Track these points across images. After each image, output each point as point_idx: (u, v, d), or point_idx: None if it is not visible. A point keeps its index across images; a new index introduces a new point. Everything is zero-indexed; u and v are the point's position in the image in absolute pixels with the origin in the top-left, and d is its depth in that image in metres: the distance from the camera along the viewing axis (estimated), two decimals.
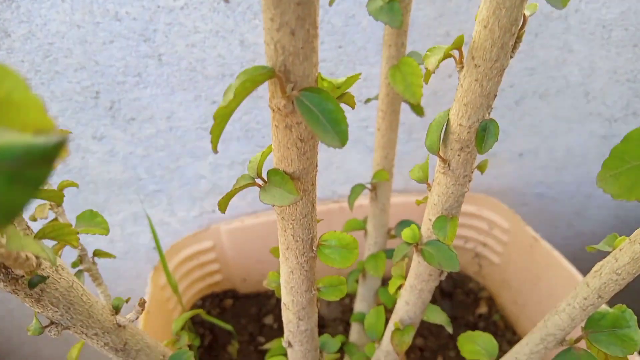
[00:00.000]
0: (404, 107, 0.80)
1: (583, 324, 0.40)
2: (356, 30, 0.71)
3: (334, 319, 0.97)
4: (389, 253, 0.66)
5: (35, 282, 0.28)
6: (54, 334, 0.35)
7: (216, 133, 0.25)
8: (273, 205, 0.32)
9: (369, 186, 0.63)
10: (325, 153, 0.85)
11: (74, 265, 0.45)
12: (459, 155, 0.34)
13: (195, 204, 0.86)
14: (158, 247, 0.75)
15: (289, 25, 0.23)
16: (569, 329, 0.39)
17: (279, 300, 0.99)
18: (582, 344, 0.41)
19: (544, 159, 0.94)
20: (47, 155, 0.13)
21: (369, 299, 0.70)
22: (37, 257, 0.28)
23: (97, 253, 0.45)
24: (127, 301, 0.41)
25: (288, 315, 0.42)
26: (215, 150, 0.25)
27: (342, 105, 0.27)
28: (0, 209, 0.13)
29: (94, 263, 0.45)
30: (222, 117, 0.24)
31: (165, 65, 0.70)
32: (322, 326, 0.96)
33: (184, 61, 0.70)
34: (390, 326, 0.48)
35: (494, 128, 0.31)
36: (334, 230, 0.41)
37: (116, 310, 0.40)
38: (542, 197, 1.01)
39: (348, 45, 0.72)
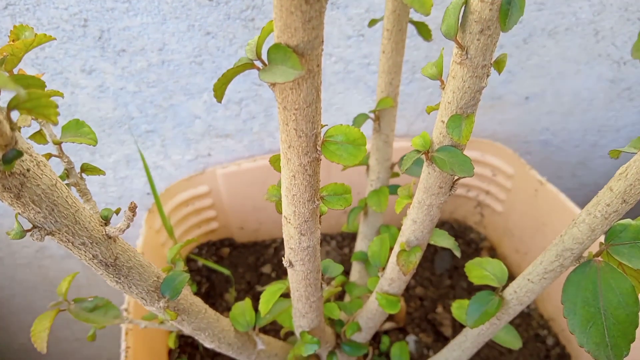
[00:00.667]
0: (409, 42, 0.77)
1: (602, 239, 0.38)
2: None
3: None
4: (392, 188, 0.64)
5: (10, 157, 0.25)
6: (37, 239, 0.32)
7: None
8: (274, 88, 0.28)
9: (372, 116, 0.59)
10: (325, 93, 0.81)
11: (61, 178, 0.42)
12: (478, 39, 0.31)
13: (190, 146, 0.83)
14: (152, 188, 0.72)
15: None
16: (589, 242, 0.37)
17: (277, 250, 0.97)
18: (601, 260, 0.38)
19: (550, 103, 0.91)
20: None
21: (371, 238, 0.67)
22: (11, 128, 0.25)
23: (85, 168, 0.43)
24: (116, 212, 0.38)
25: (289, 230, 0.39)
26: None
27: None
28: None
29: (81, 178, 0.42)
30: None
31: None
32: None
33: None
34: (396, 249, 0.45)
35: (519, 1, 0.28)
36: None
37: (105, 220, 0.37)
38: (546, 144, 0.99)
39: None
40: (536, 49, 0.82)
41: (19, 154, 0.25)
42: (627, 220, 0.37)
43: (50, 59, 0.70)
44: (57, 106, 0.26)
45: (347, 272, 0.93)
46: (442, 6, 0.73)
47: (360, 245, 0.69)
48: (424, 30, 0.56)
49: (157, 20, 0.68)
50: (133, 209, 0.35)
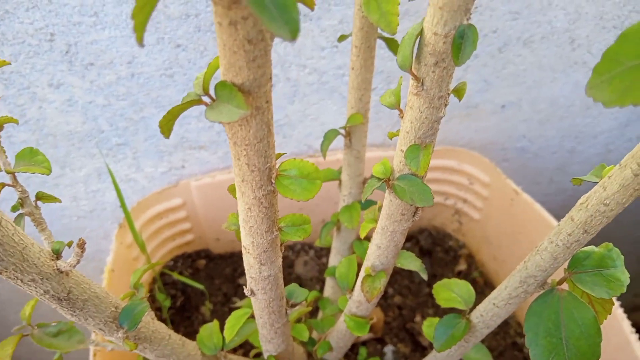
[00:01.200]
0: (384, 53, 0.76)
1: (566, 265, 0.38)
2: None
3: (311, 278, 0.94)
4: (364, 205, 0.63)
5: None
6: None
7: (140, 19, 0.20)
8: (223, 124, 0.28)
9: (342, 132, 0.59)
10: (299, 104, 0.80)
11: (14, 209, 0.41)
12: (433, 71, 0.30)
13: (162, 158, 0.82)
14: (122, 202, 0.70)
15: None
16: (551, 269, 0.37)
17: None
18: (565, 287, 0.38)
19: (527, 111, 0.91)
20: None
21: (344, 253, 0.67)
22: None
23: (40, 196, 0.41)
24: (69, 245, 0.37)
25: (249, 260, 0.38)
26: (140, 42, 0.21)
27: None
28: None
29: (36, 207, 0.41)
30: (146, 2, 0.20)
31: (124, 4, 0.64)
32: (299, 286, 0.93)
33: None
34: (362, 273, 0.45)
35: (472, 34, 0.27)
36: None
37: (56, 254, 0.36)
38: (524, 152, 0.99)
39: None
40: (512, 58, 0.82)
41: None
42: (591, 248, 0.37)
43: (17, 74, 0.68)
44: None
45: (324, 282, 0.92)
46: (414, 17, 0.73)
47: (333, 260, 0.68)
48: (393, 46, 0.55)
49: (125, 33, 0.66)
50: (82, 245, 0.34)
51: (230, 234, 0.93)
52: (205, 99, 0.29)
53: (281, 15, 0.21)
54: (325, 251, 0.98)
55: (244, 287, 0.41)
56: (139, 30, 0.21)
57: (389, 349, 0.84)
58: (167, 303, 0.82)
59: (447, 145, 0.91)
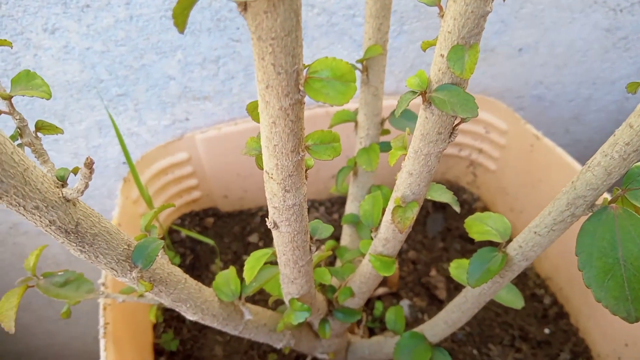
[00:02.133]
0: None
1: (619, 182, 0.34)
2: None
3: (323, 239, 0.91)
4: (383, 146, 0.60)
5: None
6: None
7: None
8: (244, 10, 0.24)
9: (359, 66, 0.55)
10: (307, 49, 0.76)
11: (13, 138, 0.37)
12: None
13: (165, 110, 0.78)
14: (126, 155, 0.67)
15: None
16: (604, 187, 0.33)
17: (263, 218, 0.93)
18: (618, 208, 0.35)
19: (544, 55, 0.87)
20: None
21: (362, 199, 0.63)
22: None
23: (41, 126, 0.38)
24: (74, 171, 0.34)
25: (272, 187, 0.35)
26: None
27: None
28: None
29: (37, 137, 0.38)
30: None
31: None
32: None
33: None
34: (391, 205, 0.41)
35: None
36: None
37: (61, 181, 0.32)
38: (540, 99, 0.95)
39: None
40: None
41: None
42: None
43: (9, 17, 0.64)
44: None
45: (337, 238, 0.90)
46: None
47: (350, 207, 0.65)
48: None
49: None
50: (89, 164, 0.30)
51: (238, 190, 0.90)
52: None
53: None
54: (337, 207, 0.95)
55: (266, 219, 0.38)
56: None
57: (405, 303, 0.82)
58: (177, 261, 0.80)
59: None
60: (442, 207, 0.98)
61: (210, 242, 0.79)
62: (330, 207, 0.95)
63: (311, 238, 0.42)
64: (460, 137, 0.90)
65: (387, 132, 0.62)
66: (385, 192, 0.60)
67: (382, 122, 0.60)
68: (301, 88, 0.28)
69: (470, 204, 0.97)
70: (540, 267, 0.85)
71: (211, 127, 0.81)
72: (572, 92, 0.95)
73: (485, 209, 0.96)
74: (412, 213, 0.39)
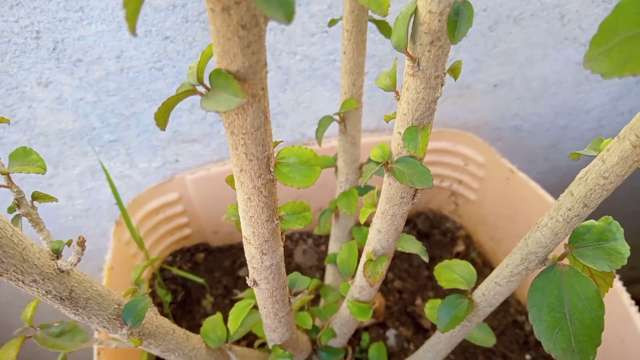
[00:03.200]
0: (375, 37, 0.76)
1: (566, 240, 0.38)
2: None
3: (310, 267, 0.94)
4: (362, 190, 0.63)
5: None
6: None
7: (131, 7, 0.20)
8: (219, 113, 0.27)
9: (337, 118, 0.58)
10: (292, 92, 0.80)
11: (10, 210, 0.40)
12: (429, 50, 0.30)
13: (156, 153, 0.81)
14: (117, 199, 0.70)
15: None
16: (552, 245, 0.37)
17: None
18: (566, 263, 0.38)
19: (519, 89, 0.91)
20: None
21: (343, 239, 0.67)
22: None
23: (37, 196, 0.41)
24: (68, 244, 0.37)
25: (250, 250, 0.38)
26: (132, 32, 0.21)
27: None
28: None
29: (33, 207, 0.41)
30: None
31: None
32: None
33: None
34: (363, 258, 0.45)
35: (467, 11, 0.27)
36: None
37: (56, 254, 0.35)
38: (517, 130, 0.99)
39: None
40: (502, 36, 0.82)
41: None
42: (591, 222, 0.37)
43: (4, 73, 0.67)
44: None
45: (323, 270, 0.92)
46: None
47: (333, 247, 0.68)
48: (384, 29, 0.54)
49: (112, 27, 0.65)
50: (82, 243, 0.33)
51: (227, 226, 0.93)
52: (200, 88, 0.28)
53: None
54: (324, 239, 0.98)
55: (247, 277, 0.41)
56: (131, 19, 0.21)
57: (391, 333, 0.85)
58: (168, 298, 0.82)
59: (441, 127, 0.91)
60: (426, 235, 1.01)
61: (201, 280, 0.81)
62: (317, 239, 0.98)
63: (290, 290, 0.45)
64: (441, 168, 0.94)
65: None
66: (366, 233, 0.63)
67: (360, 167, 0.63)
68: (272, 170, 0.32)
69: (454, 232, 1.01)
70: (520, 294, 0.88)
71: (200, 167, 0.84)
72: (548, 122, 0.99)
73: (467, 237, 0.99)
74: (382, 267, 0.42)
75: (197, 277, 0.81)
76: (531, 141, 1.02)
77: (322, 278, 0.90)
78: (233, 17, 0.23)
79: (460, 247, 0.97)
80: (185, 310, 0.85)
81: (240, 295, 0.80)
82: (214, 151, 0.84)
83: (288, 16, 0.21)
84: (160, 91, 0.73)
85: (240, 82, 0.26)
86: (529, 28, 0.82)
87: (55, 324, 0.51)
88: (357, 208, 0.62)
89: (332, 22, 0.55)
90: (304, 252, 0.95)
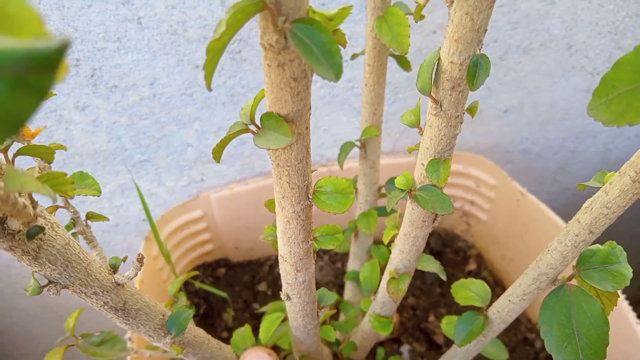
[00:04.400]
0: (391, 66, 0.80)
1: (574, 263, 0.41)
2: None
3: (327, 283, 0.98)
4: (380, 210, 0.67)
5: (33, 233, 0.27)
6: (53, 293, 0.35)
7: (210, 69, 0.24)
8: (268, 149, 0.31)
9: (358, 144, 0.62)
10: (312, 117, 0.84)
11: (68, 228, 0.44)
12: (450, 95, 0.34)
13: (183, 173, 0.85)
14: (148, 217, 0.74)
15: None
16: (561, 267, 0.40)
17: (271, 267, 1.00)
18: (574, 282, 0.42)
19: (528, 114, 0.95)
20: (50, 60, 0.13)
21: (362, 258, 0.70)
22: (33, 207, 0.27)
23: (90, 216, 0.45)
24: (124, 260, 0.41)
25: (286, 267, 0.42)
26: (209, 88, 0.25)
27: None
28: (7, 118, 0.13)
29: (87, 226, 0.45)
30: (215, 51, 0.24)
31: (146, 29, 0.68)
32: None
33: (164, 24, 0.68)
34: (386, 276, 0.48)
35: (485, 63, 0.31)
36: None
37: (114, 269, 0.39)
38: (527, 153, 1.02)
39: (331, 3, 0.71)
40: (512, 65, 0.86)
41: (41, 229, 0.28)
42: (596, 246, 0.41)
43: None
44: (72, 182, 0.29)
45: (341, 286, 0.96)
46: (419, 31, 0.77)
47: (352, 264, 0.72)
48: (403, 62, 0.59)
49: (147, 57, 0.70)
50: (141, 259, 0.37)
51: (248, 242, 0.97)
52: (252, 127, 0.32)
53: (327, 60, 0.25)
54: (340, 256, 1.02)
55: (280, 292, 0.45)
56: (208, 78, 0.25)
57: (405, 348, 0.88)
58: (192, 311, 0.86)
59: (454, 150, 0.95)
60: (439, 254, 1.04)
61: (223, 294, 0.85)
62: (334, 256, 1.02)
63: (318, 305, 0.48)
64: (453, 190, 0.97)
65: (384, 195, 0.69)
66: (384, 251, 0.67)
67: (379, 189, 0.67)
68: (310, 197, 0.36)
69: (465, 251, 1.04)
70: (531, 312, 0.91)
71: (224, 186, 0.88)
72: (557, 146, 1.03)
73: (479, 256, 1.02)
74: (404, 285, 0.45)
75: (220, 291, 0.85)
76: (540, 164, 1.05)
77: (338, 293, 0.93)
78: (286, 72, 0.28)
79: (472, 266, 1.00)
80: (207, 323, 0.88)
81: (262, 309, 0.83)
82: (237, 171, 0.88)
83: (337, 75, 0.25)
84: (189, 115, 0.78)
85: (289, 123, 0.30)
86: (538, 58, 0.86)
87: (96, 334, 0.55)
88: (376, 228, 0.66)
89: (354, 56, 0.59)
90: (320, 269, 0.98)
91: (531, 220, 0.85)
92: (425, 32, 0.77)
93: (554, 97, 0.93)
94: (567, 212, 0.98)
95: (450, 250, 1.05)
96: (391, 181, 0.65)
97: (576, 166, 1.09)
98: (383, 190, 0.69)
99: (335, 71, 0.25)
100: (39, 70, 0.13)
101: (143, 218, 0.90)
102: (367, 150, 0.63)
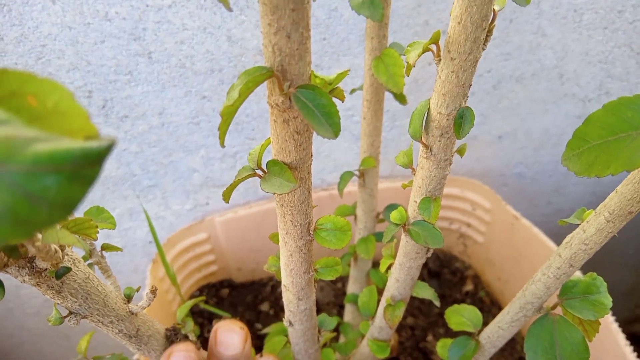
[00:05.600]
0: (388, 95, 0.84)
1: (558, 292, 0.44)
2: (339, 23, 0.74)
3: (328, 303, 1.00)
4: (378, 236, 0.70)
5: (61, 274, 0.30)
6: (74, 323, 0.38)
7: (223, 129, 0.28)
8: (274, 194, 0.34)
9: (357, 173, 0.66)
10: (313, 143, 0.87)
11: (84, 259, 0.47)
12: (439, 141, 0.37)
13: (189, 197, 0.89)
14: (156, 241, 0.77)
15: (285, 30, 0.26)
16: (545, 297, 0.43)
17: (273, 288, 1.02)
18: (558, 310, 0.44)
19: (522, 140, 0.98)
20: (101, 157, 0.16)
21: (361, 281, 0.73)
22: (62, 250, 0.30)
23: (105, 247, 0.48)
24: (137, 290, 0.44)
25: (288, 296, 0.45)
26: (222, 145, 0.28)
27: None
28: (63, 203, 0.16)
29: (102, 256, 0.48)
30: (228, 115, 0.27)
31: (156, 63, 0.72)
32: (317, 310, 0.99)
33: (174, 58, 0.72)
34: (383, 303, 0.51)
35: (469, 115, 0.34)
36: (330, 213, 0.44)
37: (128, 299, 0.42)
38: (521, 177, 1.06)
39: (332, 37, 0.75)
40: (506, 94, 0.90)
41: (68, 269, 0.31)
42: (578, 277, 0.44)
43: None
44: (96, 226, 0.32)
45: (341, 306, 0.98)
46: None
47: (352, 287, 0.75)
48: (400, 98, 0.62)
49: (157, 88, 0.74)
50: (154, 291, 0.40)
51: (251, 263, 0.99)
52: (258, 172, 0.36)
53: (327, 120, 0.28)
54: (339, 277, 1.04)
55: (282, 314, 0.47)
56: (222, 137, 0.28)
57: None
58: (197, 331, 0.88)
59: (451, 174, 0.98)
60: (436, 274, 1.07)
61: (227, 315, 0.88)
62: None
63: (319, 330, 0.51)
64: (450, 212, 1.00)
65: (382, 221, 0.72)
66: (382, 275, 0.70)
67: (377, 216, 0.70)
68: (311, 233, 0.39)
69: (462, 272, 1.06)
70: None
71: (228, 210, 0.91)
72: (550, 170, 1.06)
73: (476, 276, 1.05)
74: (400, 311, 0.48)
75: (224, 312, 0.87)
76: (535, 187, 1.08)
77: (338, 313, 0.96)
78: (291, 126, 0.31)
79: (469, 287, 1.03)
80: None
81: (265, 330, 0.86)
82: (241, 195, 0.91)
83: (336, 134, 0.28)
84: (196, 142, 0.81)
85: (292, 170, 0.33)
86: (530, 86, 0.89)
87: (107, 356, 0.58)
88: (374, 253, 0.69)
89: (353, 91, 0.63)
90: (321, 289, 1.01)
91: (525, 244, 0.88)
92: (421, 63, 0.81)
93: (546, 124, 0.97)
94: (561, 234, 1.01)
95: (448, 270, 1.07)
96: (389, 208, 0.68)
97: (570, 188, 1.12)
98: (381, 216, 0.72)
99: (334, 130, 0.28)
100: (91, 165, 0.16)
101: (149, 240, 0.93)
102: (366, 179, 0.66)
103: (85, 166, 0.16)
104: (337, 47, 0.76)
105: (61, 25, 0.66)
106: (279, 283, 1.03)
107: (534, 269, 0.85)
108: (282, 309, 0.99)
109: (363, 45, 0.77)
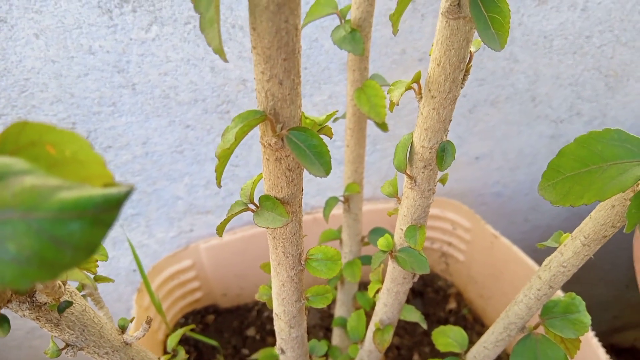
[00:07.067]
0: (369, 121, 0.86)
1: (539, 312, 0.46)
2: (319, 52, 0.76)
3: (314, 326, 1.01)
4: (364, 259, 0.71)
5: (64, 307, 0.31)
6: (71, 355, 0.38)
7: (220, 170, 0.29)
8: (267, 228, 0.36)
9: (342, 198, 0.67)
10: None
11: (79, 289, 0.48)
12: (423, 172, 0.39)
13: (173, 224, 0.89)
14: (140, 270, 0.77)
15: (278, 77, 0.28)
16: (527, 317, 0.45)
17: (259, 312, 1.03)
18: (541, 330, 0.46)
19: (498, 160, 1.01)
20: (120, 202, 0.17)
21: (348, 304, 0.74)
22: (64, 284, 0.31)
23: (98, 278, 0.48)
24: (131, 321, 0.44)
25: (280, 324, 0.46)
26: (219, 185, 0.29)
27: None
28: (86, 246, 0.17)
29: (95, 288, 0.48)
30: (224, 157, 0.28)
31: (139, 94, 0.73)
32: None
33: (157, 89, 0.73)
34: (371, 327, 0.52)
35: (451, 148, 0.36)
36: (309, 239, 0.45)
37: (122, 329, 0.43)
38: (499, 196, 1.09)
39: (313, 67, 0.77)
40: (481, 117, 0.93)
41: (70, 303, 0.31)
42: (558, 297, 0.46)
43: None
44: (96, 260, 0.33)
45: (327, 329, 0.99)
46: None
47: (339, 311, 0.75)
48: (382, 126, 0.64)
49: (140, 119, 0.75)
50: (149, 322, 0.41)
51: (236, 288, 1.00)
52: (251, 206, 0.37)
53: (318, 160, 0.29)
54: None
55: (275, 346, 0.48)
56: (219, 178, 0.29)
57: None
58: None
59: None
60: (420, 293, 1.08)
61: (214, 342, 0.88)
62: None
63: (310, 356, 0.52)
64: (432, 232, 1.03)
65: (367, 244, 0.74)
66: (368, 298, 0.71)
67: (362, 239, 0.72)
68: (303, 263, 0.40)
69: (445, 290, 1.08)
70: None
71: (213, 236, 0.92)
72: (526, 188, 1.09)
73: (458, 294, 1.07)
74: (389, 335, 0.50)
75: (209, 339, 0.87)
76: (512, 205, 1.11)
77: (325, 336, 0.96)
78: (282, 164, 0.32)
79: (452, 305, 1.05)
80: None
81: (253, 356, 0.86)
82: None
83: (327, 172, 0.30)
84: (180, 170, 0.82)
85: (284, 204, 0.35)
86: (504, 109, 0.93)
87: None
88: (360, 276, 0.70)
89: (335, 120, 0.65)
90: (307, 312, 1.01)
91: (504, 262, 0.90)
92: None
93: (521, 144, 1.00)
94: (539, 250, 1.04)
95: (431, 289, 1.09)
96: (374, 232, 0.70)
97: (546, 206, 1.15)
98: (366, 239, 0.73)
99: (325, 169, 0.29)
100: (110, 210, 0.17)
101: (133, 269, 0.93)
102: (351, 205, 0.68)
103: (105, 211, 0.17)
104: (318, 75, 0.78)
105: (45, 59, 0.67)
106: (264, 307, 1.03)
107: (514, 285, 0.87)
108: (269, 334, 0.99)
109: (343, 74, 0.79)
